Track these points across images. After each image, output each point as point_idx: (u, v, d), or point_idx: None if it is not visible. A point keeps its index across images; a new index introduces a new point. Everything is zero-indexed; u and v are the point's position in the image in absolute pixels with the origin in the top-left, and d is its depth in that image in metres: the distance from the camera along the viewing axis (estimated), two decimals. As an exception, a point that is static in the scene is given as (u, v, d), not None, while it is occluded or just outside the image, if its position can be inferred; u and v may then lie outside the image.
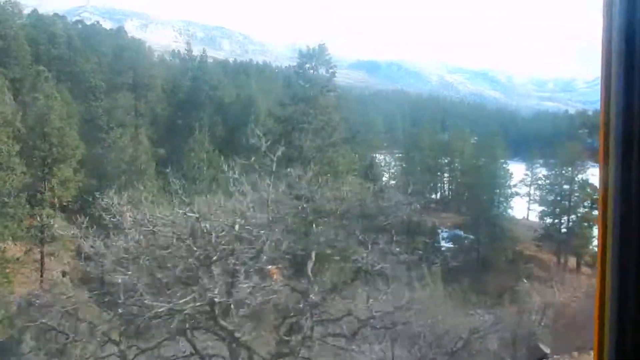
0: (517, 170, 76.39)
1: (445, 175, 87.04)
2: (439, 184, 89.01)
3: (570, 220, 63.98)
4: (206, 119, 31.00)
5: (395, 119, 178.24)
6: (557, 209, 65.18)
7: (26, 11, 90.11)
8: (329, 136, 31.70)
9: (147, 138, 32.97)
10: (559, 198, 66.31)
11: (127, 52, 48.95)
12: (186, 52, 61.54)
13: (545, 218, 67.81)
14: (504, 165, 64.57)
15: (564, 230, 63.70)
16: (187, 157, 25.89)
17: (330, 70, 32.02)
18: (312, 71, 31.47)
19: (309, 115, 30.68)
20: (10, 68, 58.56)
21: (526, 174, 78.76)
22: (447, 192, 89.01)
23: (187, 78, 40.77)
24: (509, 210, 66.50)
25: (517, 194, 64.91)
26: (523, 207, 79.79)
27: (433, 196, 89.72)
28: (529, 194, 78.61)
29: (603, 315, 1.36)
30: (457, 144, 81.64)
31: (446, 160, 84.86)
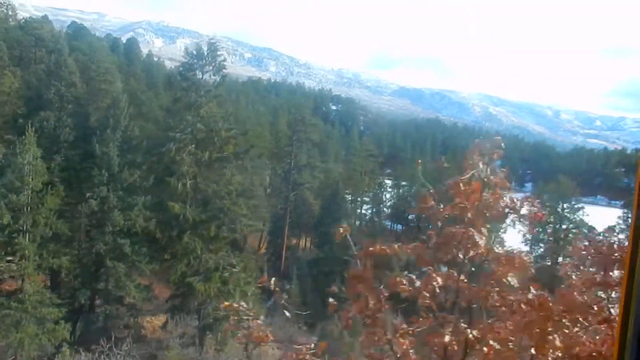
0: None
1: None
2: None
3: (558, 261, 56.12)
4: (53, 119, 26.64)
5: (412, 145, 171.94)
6: (545, 248, 57.60)
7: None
8: (218, 150, 26.63)
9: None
10: (549, 237, 58.76)
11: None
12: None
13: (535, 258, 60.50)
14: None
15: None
16: (13, 164, 21.74)
17: (221, 74, 27.08)
18: (200, 74, 26.55)
19: (187, 123, 25.74)
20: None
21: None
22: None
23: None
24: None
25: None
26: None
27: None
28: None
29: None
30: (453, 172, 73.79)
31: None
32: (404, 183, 75.48)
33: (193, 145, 26.68)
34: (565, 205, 57.24)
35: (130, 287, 24.74)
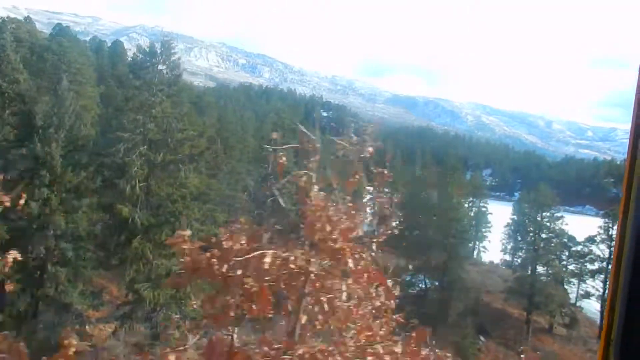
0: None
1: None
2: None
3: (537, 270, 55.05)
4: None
5: (402, 153, 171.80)
6: (524, 258, 56.73)
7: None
8: (172, 151, 25.53)
9: None
10: (521, 244, 58.14)
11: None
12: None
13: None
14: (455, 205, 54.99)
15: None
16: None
17: (174, 73, 26.02)
18: (153, 72, 25.47)
19: (137, 123, 24.68)
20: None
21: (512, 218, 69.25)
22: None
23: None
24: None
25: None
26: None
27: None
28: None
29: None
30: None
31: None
32: (385, 190, 74.21)
33: (145, 147, 25.51)
34: (545, 214, 56.30)
35: (73, 293, 23.55)
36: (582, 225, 61.04)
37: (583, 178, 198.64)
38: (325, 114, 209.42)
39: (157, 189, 26.16)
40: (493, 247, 72.51)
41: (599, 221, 58.08)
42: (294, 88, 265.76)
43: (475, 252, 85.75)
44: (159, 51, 25.21)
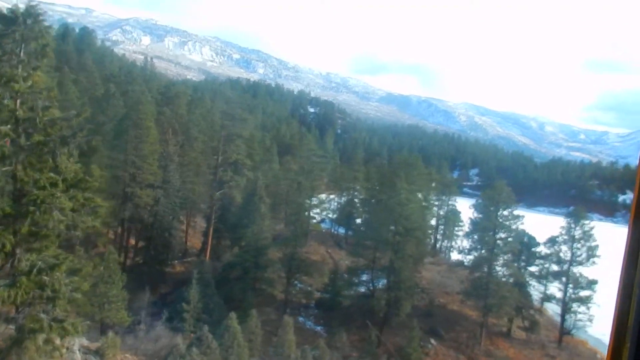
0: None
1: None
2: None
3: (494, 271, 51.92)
4: None
5: (389, 150, 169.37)
6: (479, 257, 53.68)
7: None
8: (42, 132, 22.35)
9: None
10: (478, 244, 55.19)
11: None
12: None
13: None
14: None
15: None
16: None
17: (41, 42, 22.82)
18: (15, 41, 22.28)
19: (-6, 99, 21.54)
20: None
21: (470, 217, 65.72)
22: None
23: None
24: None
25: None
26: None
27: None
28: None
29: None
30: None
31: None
32: (349, 185, 71.54)
33: (8, 126, 22.25)
34: (503, 213, 53.22)
35: None
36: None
37: (569, 180, 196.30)
38: (312, 110, 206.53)
39: (24, 174, 22.90)
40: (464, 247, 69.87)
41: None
42: (282, 84, 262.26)
43: (446, 252, 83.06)
44: (21, 19, 22.06)
